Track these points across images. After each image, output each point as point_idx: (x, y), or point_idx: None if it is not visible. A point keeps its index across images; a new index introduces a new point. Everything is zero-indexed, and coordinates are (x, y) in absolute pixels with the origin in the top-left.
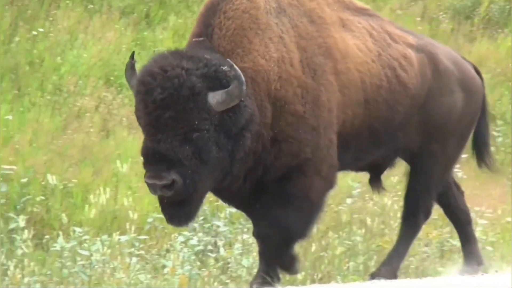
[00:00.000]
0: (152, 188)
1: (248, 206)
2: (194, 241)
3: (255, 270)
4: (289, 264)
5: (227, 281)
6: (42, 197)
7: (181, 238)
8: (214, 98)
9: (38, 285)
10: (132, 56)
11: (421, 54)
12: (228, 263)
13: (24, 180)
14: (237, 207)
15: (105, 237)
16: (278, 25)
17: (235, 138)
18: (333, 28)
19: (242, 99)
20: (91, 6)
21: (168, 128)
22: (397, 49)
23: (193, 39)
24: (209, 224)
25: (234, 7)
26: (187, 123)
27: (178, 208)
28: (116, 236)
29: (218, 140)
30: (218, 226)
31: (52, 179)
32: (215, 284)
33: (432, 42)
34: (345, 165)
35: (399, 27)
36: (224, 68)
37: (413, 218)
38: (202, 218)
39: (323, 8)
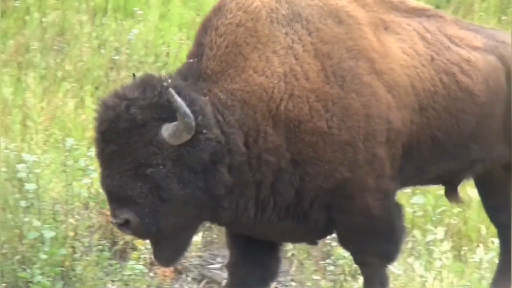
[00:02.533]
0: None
1: (290, 235)
2: None
3: None
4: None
5: None
6: (459, 209)
7: None
8: (167, 130)
9: None
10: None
11: (491, 57)
12: None
13: (440, 192)
14: (274, 238)
15: None
16: (288, 34)
17: (206, 173)
18: (368, 29)
19: (204, 131)
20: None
21: (115, 163)
22: (458, 53)
23: (187, 60)
24: None
25: (227, 21)
26: (134, 157)
27: (155, 248)
28: None
29: (180, 176)
30: None
31: None
32: None
33: (505, 40)
34: (409, 178)
35: (466, 26)
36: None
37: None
38: None
39: (356, 8)
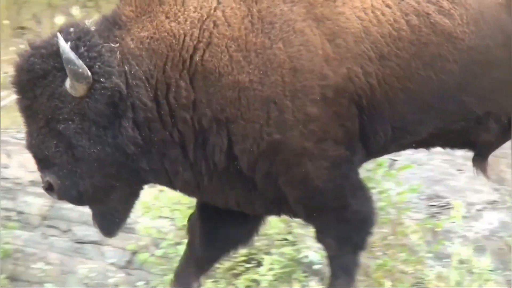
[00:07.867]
0: None
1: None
2: None
3: None
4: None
5: None
6: None
7: None
8: (68, 81)
9: None
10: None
11: None
12: None
13: None
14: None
15: None
16: None
17: (113, 129)
18: None
19: (102, 79)
20: None
21: (31, 120)
22: None
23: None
24: None
25: None
26: (43, 113)
27: (93, 217)
28: None
29: (89, 131)
30: None
31: None
32: None
33: None
34: (390, 141)
35: None
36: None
37: None
38: None
39: None
